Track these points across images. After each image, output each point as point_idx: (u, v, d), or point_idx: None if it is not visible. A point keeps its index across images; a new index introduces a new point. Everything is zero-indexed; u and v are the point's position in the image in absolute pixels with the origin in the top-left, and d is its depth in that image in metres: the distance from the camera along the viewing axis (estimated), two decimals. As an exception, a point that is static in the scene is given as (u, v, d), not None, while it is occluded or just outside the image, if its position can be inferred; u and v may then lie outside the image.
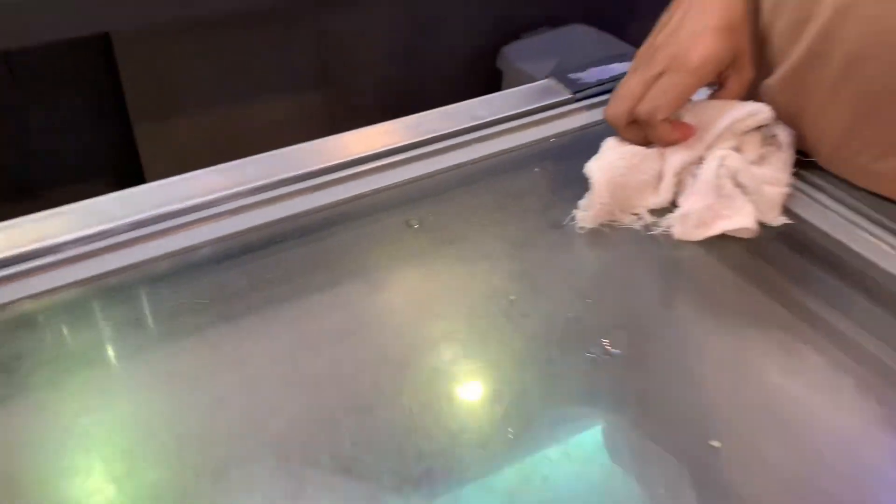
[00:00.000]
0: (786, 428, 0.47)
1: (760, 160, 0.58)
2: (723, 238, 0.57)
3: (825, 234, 0.57)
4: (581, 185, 0.58)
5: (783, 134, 0.58)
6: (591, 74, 0.71)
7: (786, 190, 0.57)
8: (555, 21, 1.73)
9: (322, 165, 0.61)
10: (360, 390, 0.49)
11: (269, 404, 0.48)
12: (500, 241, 0.58)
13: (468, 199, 0.62)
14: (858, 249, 0.56)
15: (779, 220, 0.57)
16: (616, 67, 0.72)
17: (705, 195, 0.55)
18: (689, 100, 0.58)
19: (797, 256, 0.57)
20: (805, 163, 0.61)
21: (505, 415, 0.46)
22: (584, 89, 0.70)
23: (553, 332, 0.50)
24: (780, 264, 0.57)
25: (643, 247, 0.56)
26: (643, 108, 0.56)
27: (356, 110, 1.60)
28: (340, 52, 1.55)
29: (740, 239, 0.57)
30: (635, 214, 0.58)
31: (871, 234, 0.57)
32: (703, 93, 0.62)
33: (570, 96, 0.70)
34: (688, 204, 0.56)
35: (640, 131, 0.58)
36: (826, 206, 0.59)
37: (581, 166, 0.58)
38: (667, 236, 0.56)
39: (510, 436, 0.45)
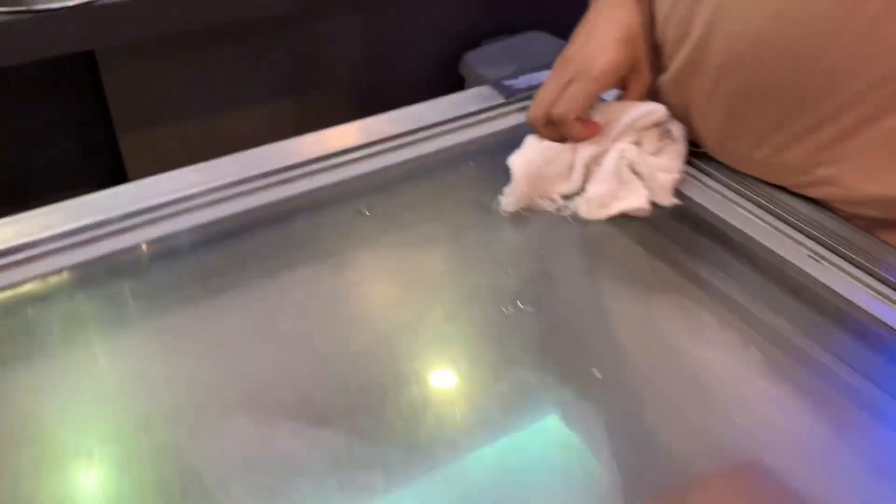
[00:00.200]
0: (683, 373, 0.58)
1: (657, 151, 0.68)
2: (625, 217, 0.67)
3: (712, 213, 0.68)
4: (508, 177, 0.69)
5: (676, 129, 0.69)
6: (522, 81, 0.82)
7: (677, 176, 0.68)
8: (513, 29, 1.84)
9: (287, 164, 0.71)
10: (320, 349, 0.59)
11: (243, 362, 0.58)
12: (438, 225, 0.68)
13: (412, 191, 0.72)
14: (739, 225, 0.67)
15: (671, 200, 0.67)
16: (543, 75, 0.82)
17: (608, 181, 0.66)
18: (598, 101, 0.69)
19: (689, 231, 0.68)
20: (697, 153, 0.72)
21: (434, 357, 0.56)
22: (516, 94, 0.80)
23: (477, 295, 0.60)
24: (675, 238, 0.68)
25: (556, 226, 0.67)
26: (557, 111, 0.67)
27: (327, 117, 1.68)
28: (311, 62, 1.65)
29: (640, 217, 0.67)
30: (551, 200, 0.68)
31: (749, 211, 0.68)
32: (613, 94, 0.72)
33: (503, 101, 0.80)
34: (592, 189, 0.66)
35: (556, 130, 0.68)
36: (713, 189, 0.70)
37: (508, 161, 0.69)
38: (576, 217, 0.67)
39: (440, 373, 0.55)
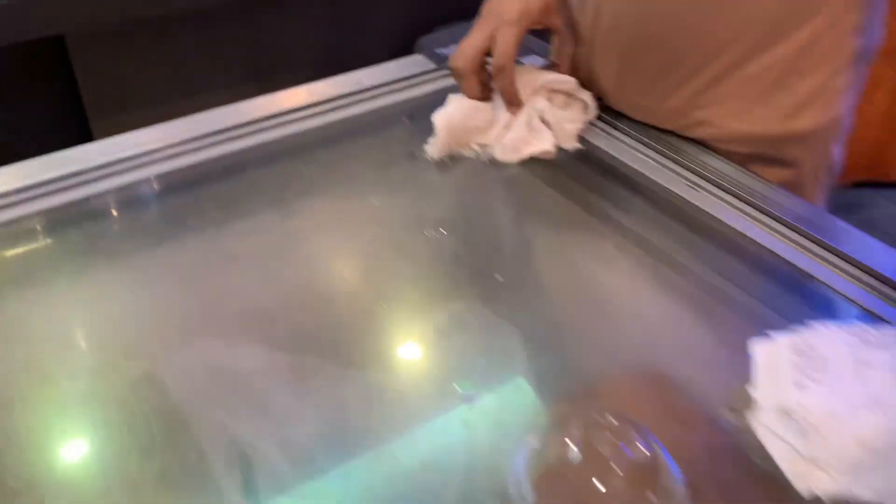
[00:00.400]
0: (588, 292, 0.68)
1: (564, 107, 0.79)
2: (535, 160, 0.78)
3: (609, 154, 0.78)
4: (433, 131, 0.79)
5: (584, 94, 0.79)
6: (451, 50, 0.92)
7: (580, 125, 0.78)
8: (467, 15, 1.94)
9: (241, 121, 0.81)
10: (274, 281, 0.69)
11: (205, 295, 0.68)
12: (373, 170, 0.78)
13: (352, 144, 0.82)
14: (631, 163, 0.77)
15: (574, 145, 0.78)
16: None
17: (519, 130, 0.76)
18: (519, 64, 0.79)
19: (590, 171, 0.79)
20: (600, 106, 0.82)
21: (369, 276, 0.67)
22: (445, 61, 0.90)
23: (403, 222, 0.71)
24: (577, 176, 0.78)
25: (475, 169, 0.77)
26: (498, 62, 0.75)
27: (289, 100, 1.78)
28: (274, 48, 1.74)
29: (548, 160, 0.78)
30: (471, 148, 0.78)
31: (640, 151, 0.78)
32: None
33: (435, 67, 0.90)
34: (506, 137, 0.76)
35: (478, 83, 0.77)
36: (610, 134, 0.80)
37: (436, 118, 0.79)
38: (493, 161, 0.77)
39: (373, 287, 0.65)
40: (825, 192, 0.78)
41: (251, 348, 0.66)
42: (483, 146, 0.78)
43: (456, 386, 0.56)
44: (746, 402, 0.51)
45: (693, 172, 0.75)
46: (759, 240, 0.69)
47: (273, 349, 0.65)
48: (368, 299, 0.66)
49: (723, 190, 0.73)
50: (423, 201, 0.74)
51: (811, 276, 0.64)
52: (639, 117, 0.79)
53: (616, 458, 0.45)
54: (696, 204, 0.73)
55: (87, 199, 0.72)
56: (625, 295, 0.67)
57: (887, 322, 0.56)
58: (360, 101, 0.86)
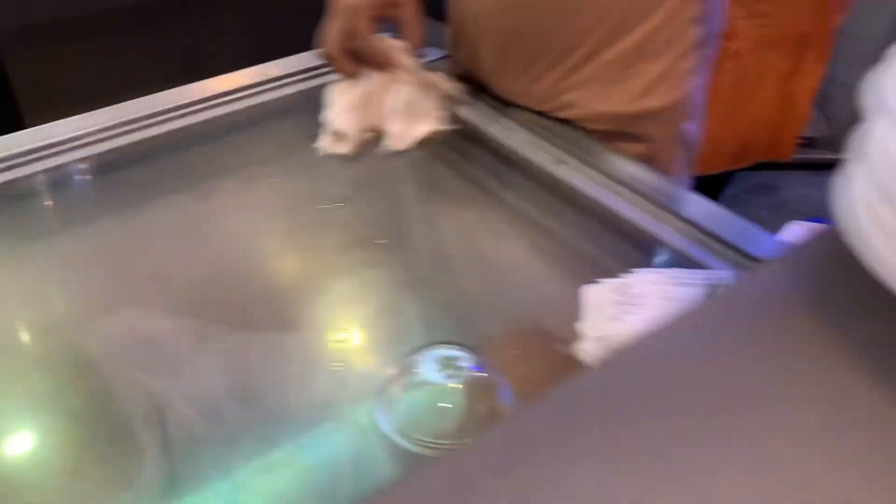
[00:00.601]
0: (479, 260, 0.77)
1: (428, 89, 0.87)
2: (422, 143, 0.87)
3: (490, 134, 0.88)
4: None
5: (438, 77, 0.88)
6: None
7: (446, 105, 0.87)
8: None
9: (157, 110, 0.88)
10: (189, 259, 0.77)
11: (126, 272, 0.76)
12: (277, 153, 0.87)
13: (260, 130, 0.90)
14: (509, 143, 0.87)
15: (450, 126, 0.87)
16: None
17: (401, 118, 0.85)
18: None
19: (473, 149, 0.88)
20: (481, 89, 0.91)
21: (267, 250, 0.75)
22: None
23: (299, 197, 0.79)
24: (462, 154, 0.88)
25: (370, 157, 0.86)
26: (359, 45, 0.82)
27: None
28: (202, 47, 1.80)
29: (435, 141, 0.87)
30: (364, 139, 0.86)
31: (513, 130, 0.87)
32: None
33: (338, 58, 0.99)
34: (391, 127, 0.85)
35: (348, 62, 0.84)
36: (488, 116, 0.90)
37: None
38: (383, 149, 0.86)
39: (274, 255, 0.74)
40: (682, 163, 0.88)
41: (166, 317, 0.75)
42: (372, 133, 0.86)
43: (338, 335, 0.65)
44: (575, 335, 0.61)
45: (559, 148, 0.85)
46: (610, 205, 0.78)
47: (185, 316, 0.74)
48: (270, 268, 0.75)
49: (585, 164, 0.83)
50: (320, 181, 0.83)
51: (652, 235, 0.74)
52: (516, 100, 0.89)
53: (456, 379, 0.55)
54: (561, 177, 0.82)
55: (13, 182, 0.80)
56: (491, 255, 0.77)
57: (699, 265, 0.66)
58: (266, 90, 0.94)
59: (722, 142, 1.55)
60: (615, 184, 0.80)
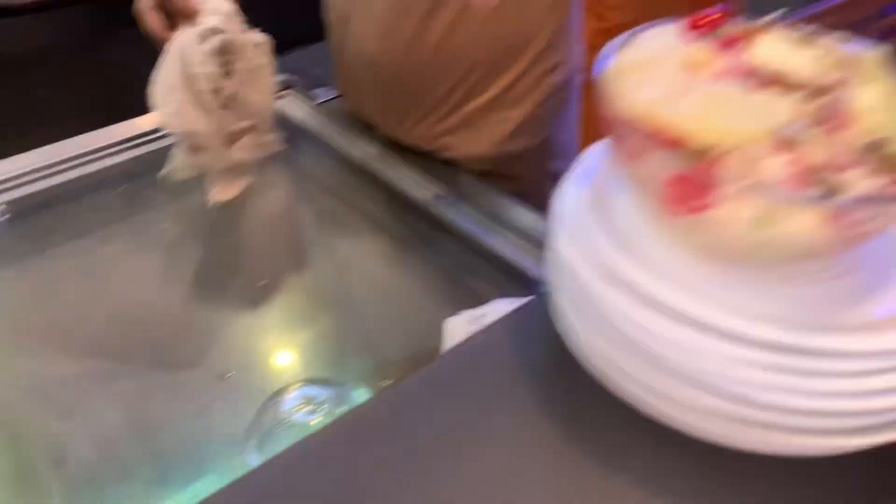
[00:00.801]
0: (356, 293, 0.83)
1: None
2: (290, 167, 0.93)
3: (378, 169, 0.94)
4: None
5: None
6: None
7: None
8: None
9: (55, 160, 0.92)
10: (89, 303, 0.81)
11: (28, 318, 0.80)
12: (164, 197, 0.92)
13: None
14: (397, 181, 0.93)
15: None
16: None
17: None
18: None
19: (359, 183, 0.94)
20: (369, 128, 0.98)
21: (157, 293, 0.80)
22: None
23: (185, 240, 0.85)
24: (353, 190, 0.94)
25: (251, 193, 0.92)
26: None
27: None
28: (123, 81, 1.83)
29: (310, 171, 0.93)
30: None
31: (397, 167, 0.94)
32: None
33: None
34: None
35: (157, 17, 0.83)
36: (375, 153, 0.96)
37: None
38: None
39: (162, 301, 0.79)
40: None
41: (67, 359, 0.79)
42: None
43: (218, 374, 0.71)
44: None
45: (437, 184, 0.91)
46: (488, 242, 0.85)
47: (84, 357, 0.79)
48: (159, 309, 0.80)
49: (462, 200, 0.90)
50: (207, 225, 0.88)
51: (520, 267, 0.80)
52: (401, 140, 0.95)
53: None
54: (439, 212, 0.89)
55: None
56: (369, 288, 0.83)
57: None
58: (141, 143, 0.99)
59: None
60: (486, 219, 0.87)
